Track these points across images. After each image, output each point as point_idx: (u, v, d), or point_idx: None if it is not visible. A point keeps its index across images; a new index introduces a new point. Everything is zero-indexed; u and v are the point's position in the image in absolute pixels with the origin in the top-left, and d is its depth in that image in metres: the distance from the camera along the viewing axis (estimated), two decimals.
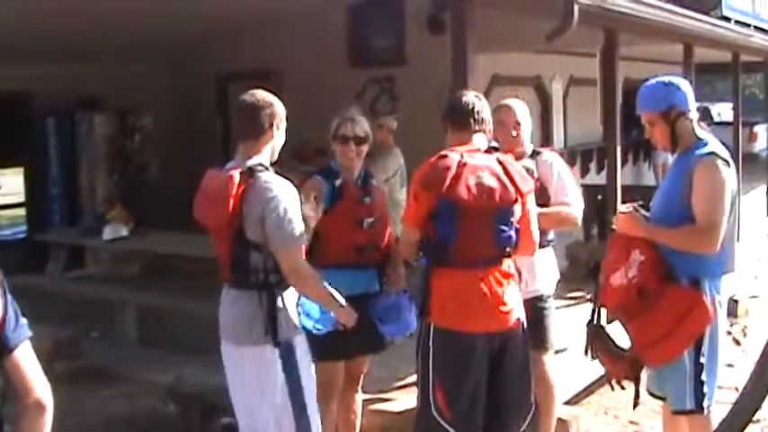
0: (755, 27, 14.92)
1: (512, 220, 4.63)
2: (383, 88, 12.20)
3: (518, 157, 5.67)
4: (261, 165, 4.47)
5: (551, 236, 5.87)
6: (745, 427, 2.56)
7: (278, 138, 4.62)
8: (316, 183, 5.43)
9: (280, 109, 4.61)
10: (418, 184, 4.60)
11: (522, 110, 5.93)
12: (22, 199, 13.57)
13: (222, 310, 4.66)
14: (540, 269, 5.79)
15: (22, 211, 13.58)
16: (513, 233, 4.65)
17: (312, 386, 4.65)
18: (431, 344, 4.65)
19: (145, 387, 7.57)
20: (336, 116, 5.65)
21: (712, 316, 4.68)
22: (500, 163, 4.61)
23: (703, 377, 4.72)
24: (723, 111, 28.30)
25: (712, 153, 4.71)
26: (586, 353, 5.25)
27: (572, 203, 5.81)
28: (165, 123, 13.55)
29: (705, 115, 27.10)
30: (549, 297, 5.88)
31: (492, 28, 7.76)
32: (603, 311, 5.12)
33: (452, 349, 4.60)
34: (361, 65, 12.27)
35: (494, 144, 4.86)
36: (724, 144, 4.98)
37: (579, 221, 5.94)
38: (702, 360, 4.71)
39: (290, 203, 4.40)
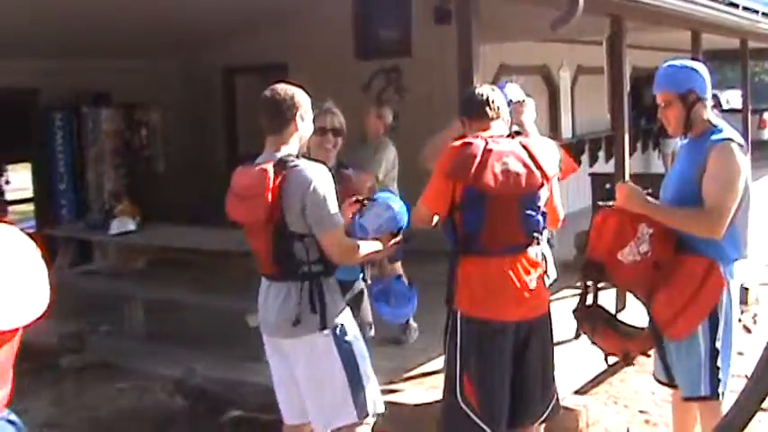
0: (764, 13, 14.83)
1: (538, 204, 4.63)
2: (389, 79, 12.18)
3: None
4: (290, 155, 4.52)
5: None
6: (753, 416, 2.53)
7: (303, 128, 4.65)
8: None
9: (302, 100, 4.65)
10: (443, 172, 4.57)
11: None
12: (30, 194, 13.56)
13: (266, 306, 4.68)
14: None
15: (30, 207, 13.57)
16: (540, 217, 4.66)
17: (365, 360, 4.72)
18: (459, 332, 4.66)
19: (153, 381, 7.56)
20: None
21: (725, 284, 4.65)
22: (524, 147, 4.59)
23: (718, 363, 4.69)
24: (732, 98, 28.22)
25: (728, 138, 4.68)
26: (578, 335, 5.18)
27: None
28: (172, 118, 13.53)
29: (715, 102, 27.08)
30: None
31: (498, 17, 7.73)
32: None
33: (480, 337, 4.61)
34: (367, 56, 12.25)
35: (516, 128, 4.83)
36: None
37: None
38: (718, 345, 4.68)
39: (326, 188, 4.47)
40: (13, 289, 2.60)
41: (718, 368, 4.70)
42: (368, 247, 4.67)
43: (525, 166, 4.51)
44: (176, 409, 7.08)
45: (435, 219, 4.75)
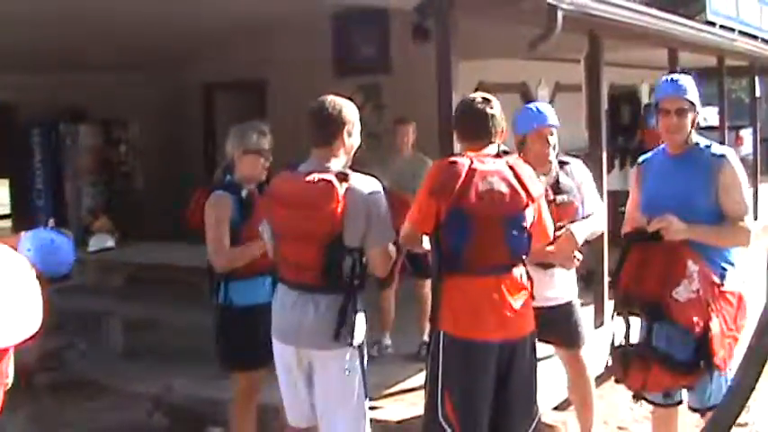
0: (740, 32, 14.94)
1: (524, 225, 4.56)
2: (368, 96, 12.18)
3: (548, 169, 5.72)
4: (346, 168, 4.59)
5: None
6: (734, 423, 2.58)
7: (350, 143, 4.69)
8: (226, 199, 5.50)
9: (350, 114, 4.67)
10: (427, 190, 4.55)
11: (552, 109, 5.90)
12: (7, 210, 13.51)
13: (293, 317, 4.66)
14: (566, 278, 5.90)
15: (8, 223, 13.51)
16: (525, 238, 4.60)
17: None
18: (441, 352, 4.62)
19: (132, 398, 7.53)
20: (240, 127, 5.72)
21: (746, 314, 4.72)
22: (510, 167, 4.54)
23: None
24: (709, 115, 28.34)
25: (728, 153, 4.76)
26: (618, 378, 5.03)
27: (598, 213, 5.94)
28: (150, 134, 13.51)
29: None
30: (574, 301, 6.00)
31: (477, 35, 7.75)
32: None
33: (463, 358, 4.57)
34: (346, 73, 12.25)
35: (504, 148, 4.77)
36: None
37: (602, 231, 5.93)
38: None
39: (384, 201, 4.58)
40: (8, 306, 2.58)
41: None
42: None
43: (510, 186, 4.46)
44: (155, 427, 7.05)
45: (425, 239, 4.74)
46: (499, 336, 4.57)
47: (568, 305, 5.92)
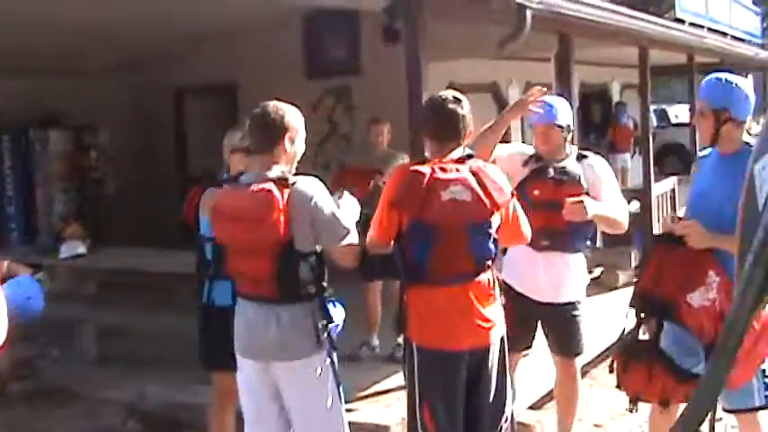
0: (709, 29, 15.05)
1: (489, 231, 4.49)
2: (339, 98, 12.18)
3: (561, 159, 5.74)
4: (284, 173, 4.47)
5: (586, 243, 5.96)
6: (707, 413, 2.57)
7: (293, 150, 4.58)
8: None
9: (293, 121, 4.57)
10: (388, 201, 4.49)
11: (566, 108, 5.91)
12: None
13: (256, 331, 4.56)
14: (571, 276, 5.85)
15: None
16: (491, 245, 4.52)
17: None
18: (415, 362, 4.59)
19: (105, 405, 7.48)
20: (233, 128, 5.73)
21: None
22: (474, 173, 4.44)
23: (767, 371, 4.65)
24: (680, 112, 28.50)
25: None
26: (619, 383, 4.97)
27: (619, 205, 5.85)
28: (121, 139, 13.42)
29: (662, 117, 27.38)
30: (579, 303, 5.93)
31: (446, 36, 7.74)
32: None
33: (435, 368, 4.54)
34: (317, 76, 12.24)
35: (469, 152, 4.68)
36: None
37: (626, 226, 5.86)
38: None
39: (330, 199, 4.49)
40: None
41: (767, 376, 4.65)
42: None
43: (474, 194, 4.38)
44: None
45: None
46: (468, 344, 4.54)
47: (571, 308, 5.87)
